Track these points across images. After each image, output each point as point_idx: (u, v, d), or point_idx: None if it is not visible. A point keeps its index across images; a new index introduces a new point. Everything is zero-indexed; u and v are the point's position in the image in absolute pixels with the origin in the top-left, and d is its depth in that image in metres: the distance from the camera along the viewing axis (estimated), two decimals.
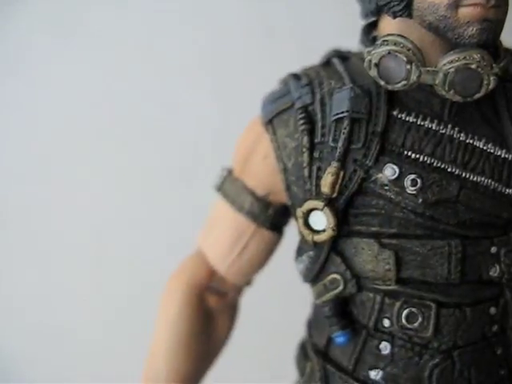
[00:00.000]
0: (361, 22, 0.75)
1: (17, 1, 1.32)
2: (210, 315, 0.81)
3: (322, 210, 0.68)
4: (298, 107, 0.71)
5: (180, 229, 1.36)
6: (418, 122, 0.68)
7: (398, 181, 0.67)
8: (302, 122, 0.70)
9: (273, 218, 0.76)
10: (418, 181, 0.67)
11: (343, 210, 0.69)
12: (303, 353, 0.81)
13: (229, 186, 0.77)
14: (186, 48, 1.34)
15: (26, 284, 1.42)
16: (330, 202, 0.68)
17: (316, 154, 0.69)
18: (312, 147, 0.69)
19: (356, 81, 0.69)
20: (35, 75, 1.34)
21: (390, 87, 0.67)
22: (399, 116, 0.68)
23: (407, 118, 0.68)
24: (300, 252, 0.75)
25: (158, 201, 1.38)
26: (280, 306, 1.39)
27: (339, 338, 0.71)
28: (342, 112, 0.68)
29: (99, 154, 1.37)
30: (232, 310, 0.84)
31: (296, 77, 0.74)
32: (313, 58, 0.81)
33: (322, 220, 0.69)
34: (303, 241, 0.73)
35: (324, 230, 0.69)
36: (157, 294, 1.38)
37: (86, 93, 1.35)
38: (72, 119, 1.36)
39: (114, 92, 1.34)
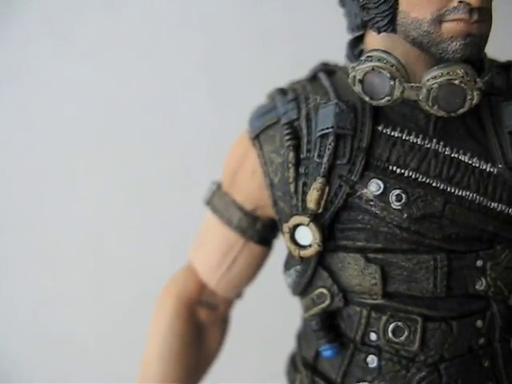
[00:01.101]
0: None
1: (17, 2, 1.33)
2: (201, 328, 0.82)
3: (307, 225, 0.69)
4: (283, 123, 0.71)
5: (179, 233, 1.37)
6: (403, 137, 0.68)
7: (383, 196, 0.67)
8: (287, 137, 0.70)
9: (261, 232, 0.77)
10: (403, 196, 0.67)
11: (329, 225, 0.69)
12: (293, 365, 0.81)
13: (217, 200, 0.78)
14: (184, 52, 1.35)
15: (25, 286, 1.43)
16: (315, 218, 0.69)
17: (302, 170, 0.70)
18: (298, 163, 0.70)
19: (341, 96, 0.70)
20: (35, 78, 1.35)
21: (374, 103, 0.67)
22: (384, 131, 0.69)
23: (392, 133, 0.69)
24: (288, 266, 0.75)
25: (158, 205, 1.39)
26: (279, 307, 1.39)
27: (326, 352, 0.72)
28: (327, 128, 0.68)
29: (98, 157, 1.37)
30: (223, 323, 0.85)
31: (282, 92, 0.75)
32: (307, 64, 0.81)
33: (307, 235, 0.69)
34: (290, 255, 0.74)
35: (310, 246, 0.69)
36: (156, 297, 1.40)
37: (85, 96, 1.35)
38: (71, 122, 1.36)
39: (113, 95, 1.35)
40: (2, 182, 1.39)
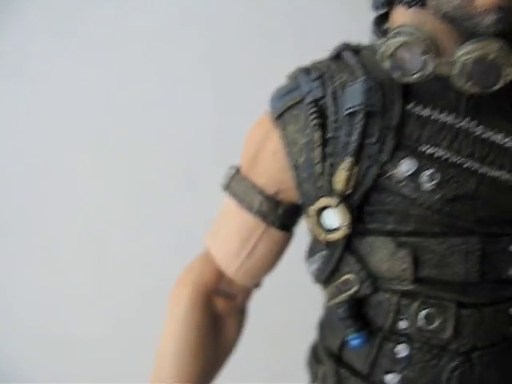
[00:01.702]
0: (360, 23, 0.74)
1: (18, 0, 1.30)
2: (218, 319, 0.78)
3: (335, 207, 0.65)
4: (308, 101, 0.68)
5: (183, 231, 1.35)
6: (434, 116, 0.65)
7: (415, 176, 0.64)
8: (313, 116, 0.67)
9: (283, 217, 0.73)
10: (435, 176, 0.64)
11: (357, 207, 0.66)
12: (315, 356, 0.78)
13: (237, 184, 0.74)
14: (187, 48, 1.33)
15: (27, 286, 1.41)
16: (343, 200, 0.65)
17: (328, 150, 0.66)
18: (324, 143, 0.67)
19: (369, 73, 0.67)
20: (36, 76, 1.33)
21: (404, 79, 0.64)
22: (414, 110, 0.66)
23: (422, 112, 0.66)
24: (312, 252, 0.72)
25: (160, 204, 1.37)
26: (280, 307, 1.37)
27: (354, 341, 0.68)
28: (356, 105, 0.65)
29: (99, 155, 1.35)
30: (240, 314, 0.81)
31: (305, 71, 0.72)
32: (312, 58, 0.79)
33: (335, 218, 0.66)
34: (315, 240, 0.71)
35: (337, 229, 0.66)
36: (158, 297, 1.36)
37: (86, 94, 1.34)
38: (72, 120, 1.34)
39: (114, 92, 1.33)
40: (3, 182, 1.37)
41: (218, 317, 0.78)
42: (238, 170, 0.76)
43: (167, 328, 0.77)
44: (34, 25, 1.31)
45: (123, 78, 1.33)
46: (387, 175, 0.65)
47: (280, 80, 0.77)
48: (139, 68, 1.33)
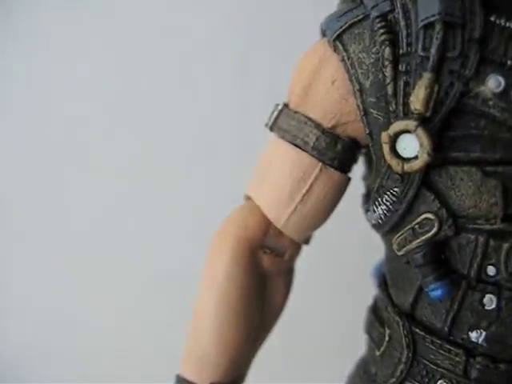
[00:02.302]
0: None
1: None
2: (264, 278, 0.67)
3: (414, 131, 0.56)
4: (374, 16, 0.59)
5: (201, 218, 1.28)
6: None
7: (505, 94, 0.55)
8: (382, 31, 0.58)
9: (342, 154, 0.63)
10: None
11: (437, 132, 0.57)
12: (378, 319, 0.68)
13: (287, 120, 0.65)
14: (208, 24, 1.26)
15: (31, 281, 1.34)
16: (422, 123, 0.56)
17: (402, 67, 0.57)
18: (396, 60, 0.58)
19: None
20: (47, 43, 1.27)
21: None
22: (498, 22, 0.57)
23: (507, 24, 0.57)
24: (377, 194, 0.62)
25: (176, 188, 1.29)
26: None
27: (436, 292, 0.58)
28: (433, 15, 0.56)
29: (114, 140, 1.29)
30: (288, 274, 0.71)
31: None
32: None
33: (413, 145, 0.56)
34: (384, 178, 0.61)
35: (416, 157, 0.57)
36: (173, 285, 1.28)
37: (98, 81, 1.28)
38: (88, 102, 1.28)
39: (130, 70, 1.27)
40: (16, 167, 1.31)
41: (264, 276, 0.67)
42: (286, 105, 0.66)
43: (205, 290, 0.66)
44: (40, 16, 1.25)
45: (133, 66, 1.28)
46: (473, 93, 0.56)
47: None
48: (151, 56, 1.27)
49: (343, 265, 1.31)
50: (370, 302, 0.73)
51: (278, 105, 0.67)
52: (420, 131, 0.56)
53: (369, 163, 0.70)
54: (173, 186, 1.28)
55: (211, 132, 1.27)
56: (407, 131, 0.56)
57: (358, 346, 0.75)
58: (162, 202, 1.30)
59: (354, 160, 0.66)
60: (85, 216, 1.31)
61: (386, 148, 0.58)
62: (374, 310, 0.69)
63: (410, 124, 0.56)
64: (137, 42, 1.25)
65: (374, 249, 0.75)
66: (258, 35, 1.24)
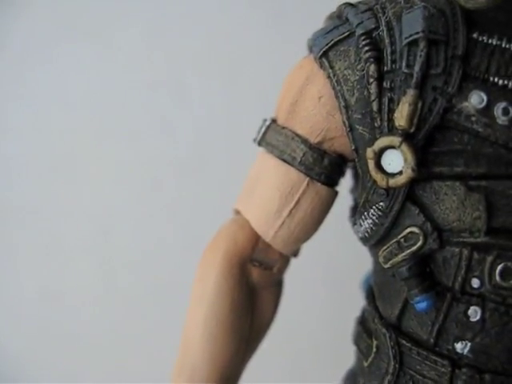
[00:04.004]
0: None
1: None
2: (253, 291, 0.68)
3: (398, 147, 0.57)
4: (359, 33, 0.60)
5: (194, 221, 1.29)
6: (503, 45, 0.58)
7: (487, 110, 0.56)
8: (366, 48, 0.59)
9: (328, 169, 0.64)
10: (510, 110, 0.56)
11: (422, 148, 0.58)
12: (365, 330, 0.68)
13: (274, 135, 0.66)
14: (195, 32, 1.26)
15: (30, 280, 1.33)
16: (406, 139, 0.57)
17: (386, 84, 0.58)
18: (381, 77, 0.59)
19: (427, 0, 0.59)
20: (45, 69, 1.27)
21: (469, 5, 0.57)
22: (480, 39, 0.58)
23: (489, 41, 0.58)
24: (363, 208, 0.63)
25: (170, 192, 1.30)
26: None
27: (421, 304, 0.59)
28: (417, 33, 0.57)
29: (108, 143, 1.29)
30: (277, 287, 0.72)
31: (351, 5, 0.64)
32: None
33: (398, 160, 0.58)
34: (369, 193, 0.62)
35: (401, 172, 0.58)
36: (168, 290, 1.28)
37: (96, 81, 1.28)
38: (81, 109, 1.28)
39: (122, 74, 1.27)
40: (10, 171, 1.30)
41: (254, 289, 0.68)
42: (274, 121, 0.67)
43: (195, 304, 0.67)
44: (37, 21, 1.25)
45: (131, 68, 1.28)
46: (456, 109, 0.57)
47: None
48: (147, 58, 1.27)
49: (336, 272, 1.33)
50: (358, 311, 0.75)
51: (265, 120, 0.68)
52: (404, 147, 0.57)
53: (356, 177, 0.71)
54: (163, 196, 1.29)
55: (201, 144, 1.28)
56: (392, 147, 0.58)
57: (350, 353, 0.76)
58: (152, 212, 1.30)
59: (341, 174, 0.67)
60: (75, 224, 1.31)
61: (371, 164, 0.59)
62: (362, 322, 0.70)
63: (395, 140, 0.57)
64: (126, 50, 1.26)
65: (366, 256, 0.77)
66: (247, 49, 1.25)
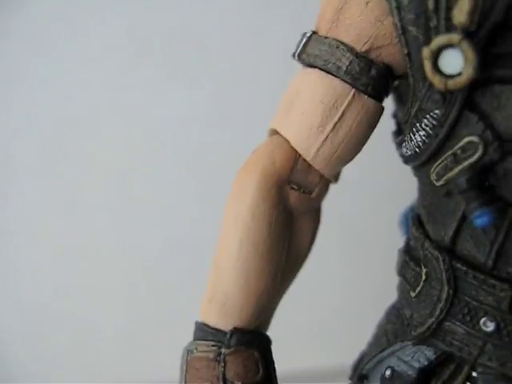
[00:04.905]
0: None
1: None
2: (291, 216, 0.63)
3: (458, 44, 0.52)
4: None
5: (211, 177, 1.25)
6: None
7: None
8: None
9: (376, 81, 0.59)
10: None
11: (482, 49, 0.53)
12: (412, 259, 0.63)
13: (317, 46, 0.61)
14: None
15: (37, 272, 1.31)
16: (466, 37, 0.52)
17: None
18: None
19: None
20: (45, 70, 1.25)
21: None
22: None
23: None
24: (415, 119, 0.57)
25: (188, 148, 1.28)
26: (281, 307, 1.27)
27: (481, 219, 0.54)
28: None
29: (123, 95, 1.27)
30: (315, 213, 0.67)
31: None
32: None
33: (457, 60, 0.52)
34: (423, 101, 0.57)
35: (460, 74, 0.53)
36: (185, 251, 1.25)
37: (99, 82, 1.26)
38: (73, 107, 1.27)
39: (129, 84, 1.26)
40: (23, 127, 1.27)
41: (291, 214, 0.63)
42: (314, 33, 0.62)
43: (228, 227, 0.62)
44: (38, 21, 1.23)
45: (132, 70, 1.26)
46: None
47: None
48: (145, 63, 1.25)
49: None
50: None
51: (305, 33, 0.63)
52: (465, 44, 0.52)
53: (399, 98, 0.66)
54: (161, 190, 1.28)
55: (221, 99, 1.25)
56: (450, 45, 0.53)
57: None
58: (172, 162, 1.28)
59: (387, 90, 0.62)
60: (77, 219, 1.30)
61: (427, 65, 0.54)
62: (407, 251, 0.65)
63: (454, 37, 0.52)
64: (127, 40, 1.24)
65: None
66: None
